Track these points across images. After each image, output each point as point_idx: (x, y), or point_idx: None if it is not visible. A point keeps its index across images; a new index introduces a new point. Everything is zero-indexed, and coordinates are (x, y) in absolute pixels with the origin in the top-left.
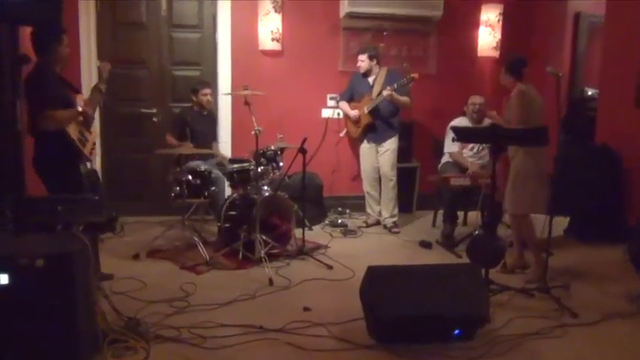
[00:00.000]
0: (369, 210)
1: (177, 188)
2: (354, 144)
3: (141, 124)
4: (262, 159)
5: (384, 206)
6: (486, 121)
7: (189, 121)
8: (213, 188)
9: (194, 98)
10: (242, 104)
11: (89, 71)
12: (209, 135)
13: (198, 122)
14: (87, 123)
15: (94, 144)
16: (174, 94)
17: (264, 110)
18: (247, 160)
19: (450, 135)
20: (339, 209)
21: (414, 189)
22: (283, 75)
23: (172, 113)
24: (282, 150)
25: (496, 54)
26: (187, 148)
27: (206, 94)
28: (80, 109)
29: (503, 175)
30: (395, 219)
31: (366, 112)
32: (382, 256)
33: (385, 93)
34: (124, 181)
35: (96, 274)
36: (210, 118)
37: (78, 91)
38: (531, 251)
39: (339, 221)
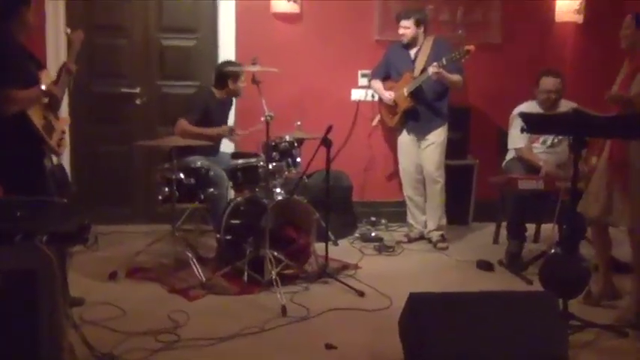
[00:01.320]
0: (410, 220)
1: (166, 189)
2: (391, 135)
3: (121, 108)
4: (274, 153)
5: (429, 215)
6: (563, 106)
7: (211, 108)
8: (211, 190)
9: (229, 84)
10: (249, 83)
11: (55, 42)
12: (224, 123)
13: (218, 111)
14: (54, 106)
15: (63, 133)
16: (163, 70)
17: (277, 91)
18: (255, 155)
19: (517, 124)
20: (373, 219)
21: (470, 194)
22: (302, 45)
23: (174, 94)
24: (299, 141)
25: (579, 19)
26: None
27: (244, 82)
28: (44, 88)
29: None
30: (443, 232)
31: (406, 94)
32: (428, 279)
33: (431, 70)
34: (99, 180)
35: (63, 298)
36: (229, 105)
37: (42, 66)
38: (635, 277)
39: (373, 234)
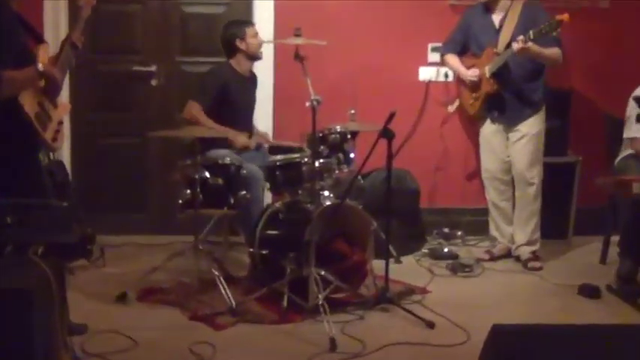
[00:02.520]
0: (494, 232)
1: (188, 192)
2: (472, 124)
3: (132, 91)
4: (322, 147)
5: (518, 226)
6: None
7: (229, 87)
8: (243, 193)
9: (238, 46)
10: (290, 59)
11: (54, 11)
12: (250, 110)
13: (239, 90)
14: (52, 91)
15: (60, 124)
16: (185, 43)
17: (325, 69)
18: (298, 149)
19: (634, 111)
20: (446, 230)
21: (571, 200)
22: (356, 13)
23: (198, 74)
24: (353, 133)
25: None
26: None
27: (256, 35)
28: (41, 67)
29: None
30: (536, 248)
31: (488, 75)
32: (516, 308)
33: (515, 47)
34: (106, 179)
35: (62, 325)
36: (253, 84)
37: (41, 39)
38: None
39: (446, 250)
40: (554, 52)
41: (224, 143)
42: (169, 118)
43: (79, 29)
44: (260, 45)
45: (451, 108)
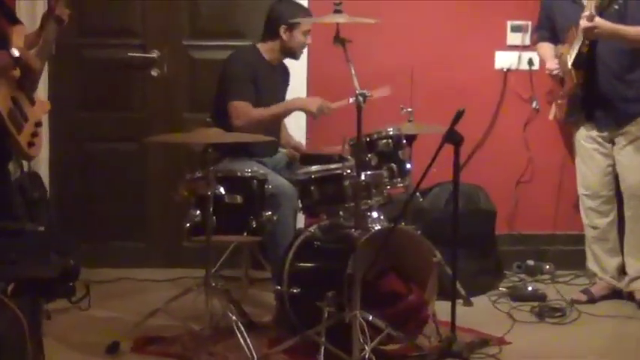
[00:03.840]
0: (592, 266)
1: (198, 213)
2: (565, 127)
3: (127, 84)
4: (369, 155)
5: (630, 255)
6: None
7: (257, 79)
8: (268, 214)
9: (281, 34)
10: (329, 43)
11: None
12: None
13: (267, 82)
14: (29, 84)
15: (39, 126)
16: (194, 23)
17: (374, 56)
18: (338, 158)
19: None
20: (530, 263)
21: None
22: None
23: (212, 62)
24: (410, 138)
25: None
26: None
27: (307, 33)
28: (17, 53)
29: None
30: None
31: (569, 64)
32: None
33: (582, 24)
34: (94, 196)
35: None
36: (283, 77)
37: (15, 19)
38: None
39: (530, 288)
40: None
41: (245, 150)
42: (174, 120)
43: (64, 2)
44: (304, 45)
45: (552, 114)
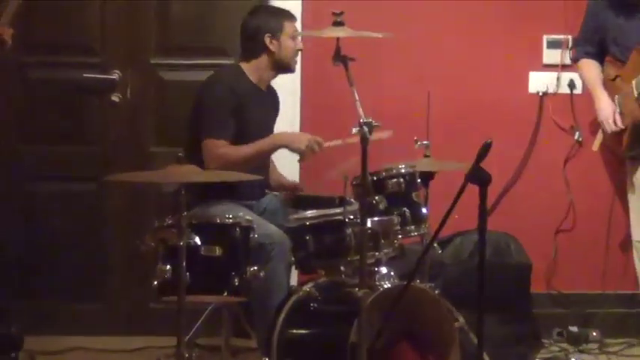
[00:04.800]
0: None
1: (168, 268)
2: (616, 164)
3: (83, 112)
4: (377, 198)
5: None
6: None
7: (243, 107)
8: (254, 269)
9: (267, 46)
10: (327, 62)
11: None
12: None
13: (254, 111)
14: None
15: None
16: (164, 38)
17: (382, 77)
18: (339, 201)
19: None
20: (574, 329)
21: None
22: None
23: (186, 84)
24: (426, 176)
25: None
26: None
27: (295, 36)
28: None
29: None
30: None
31: (636, 94)
32: None
33: None
34: (40, 248)
35: None
36: (272, 104)
37: None
38: None
39: (574, 359)
40: None
41: (226, 191)
42: (139, 155)
43: (8, 20)
44: (297, 51)
45: (596, 144)
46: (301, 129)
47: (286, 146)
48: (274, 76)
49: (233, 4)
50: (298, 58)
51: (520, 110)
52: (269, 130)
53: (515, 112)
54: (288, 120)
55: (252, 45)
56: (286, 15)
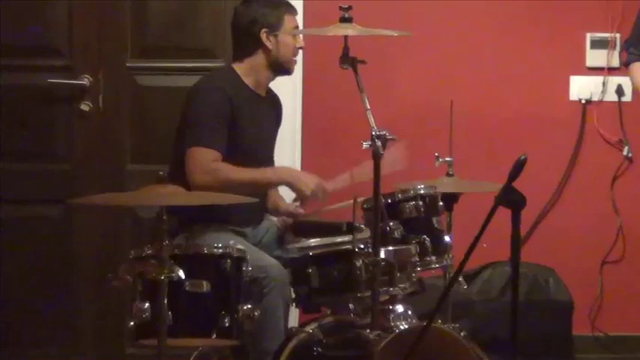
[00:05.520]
0: None
1: (147, 306)
2: None
3: (48, 122)
4: (392, 224)
5: None
6: None
7: (237, 114)
8: (248, 308)
9: (264, 42)
10: (333, 65)
11: None
12: (267, 153)
13: (251, 119)
14: None
15: None
16: (141, 39)
17: (397, 83)
18: (347, 228)
19: None
20: None
21: None
22: None
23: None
24: (449, 199)
25: None
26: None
27: (294, 30)
28: None
29: None
30: None
31: None
32: None
33: None
34: None
35: None
36: (273, 110)
37: None
38: None
39: None
40: None
41: (216, 216)
42: (112, 173)
43: None
44: (297, 51)
45: None
46: (302, 142)
47: (290, 185)
48: (272, 78)
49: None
50: (298, 58)
51: (560, 121)
52: (269, 145)
53: (554, 123)
54: (287, 131)
55: (245, 40)
56: (286, 7)
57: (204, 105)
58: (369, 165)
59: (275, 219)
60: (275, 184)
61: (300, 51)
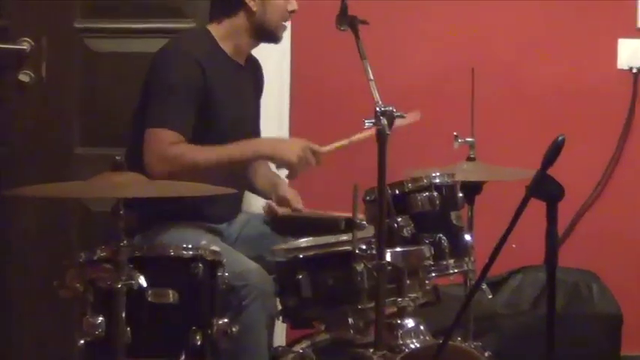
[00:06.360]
0: None
1: (100, 321)
2: None
3: None
4: (400, 219)
5: None
6: None
7: (211, 85)
8: (223, 322)
9: (246, 2)
10: (329, 27)
11: None
12: (249, 130)
13: (229, 90)
14: None
15: None
16: None
17: (404, 47)
18: (348, 224)
19: None
20: None
21: None
22: None
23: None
24: (471, 189)
25: None
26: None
27: None
28: None
29: None
30: None
31: None
32: None
33: None
34: None
35: None
36: (254, 80)
37: None
38: None
39: None
40: None
41: (185, 211)
42: (60, 156)
43: None
44: (287, 15)
45: None
46: (290, 118)
47: (271, 157)
48: (255, 45)
49: None
50: (288, 23)
51: (605, 94)
52: (251, 123)
53: (599, 97)
54: (272, 105)
55: (225, 4)
56: None
57: (168, 75)
58: (369, 131)
59: (263, 203)
60: (253, 160)
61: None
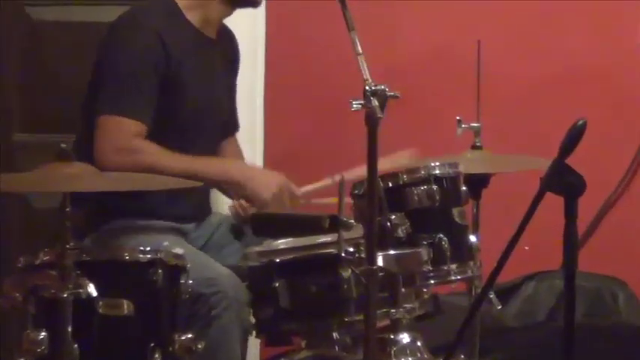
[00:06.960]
0: None
1: (43, 335)
2: None
3: None
4: (394, 217)
5: None
6: None
7: (177, 64)
8: (187, 337)
9: None
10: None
11: None
12: (221, 116)
13: (198, 69)
14: None
15: None
16: None
17: (400, 20)
18: (332, 223)
19: None
20: None
21: None
22: None
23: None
24: (476, 182)
25: None
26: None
27: None
28: None
29: None
30: None
31: None
32: None
33: None
34: None
35: None
36: (229, 53)
37: None
38: None
39: None
40: None
41: (144, 208)
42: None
43: None
44: None
45: None
46: (265, 101)
47: (242, 186)
48: (227, 14)
49: None
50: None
51: (628, 75)
52: (225, 107)
53: (621, 79)
54: (244, 86)
55: None
56: None
57: (124, 52)
58: (360, 170)
59: (230, 204)
60: (221, 182)
61: None
